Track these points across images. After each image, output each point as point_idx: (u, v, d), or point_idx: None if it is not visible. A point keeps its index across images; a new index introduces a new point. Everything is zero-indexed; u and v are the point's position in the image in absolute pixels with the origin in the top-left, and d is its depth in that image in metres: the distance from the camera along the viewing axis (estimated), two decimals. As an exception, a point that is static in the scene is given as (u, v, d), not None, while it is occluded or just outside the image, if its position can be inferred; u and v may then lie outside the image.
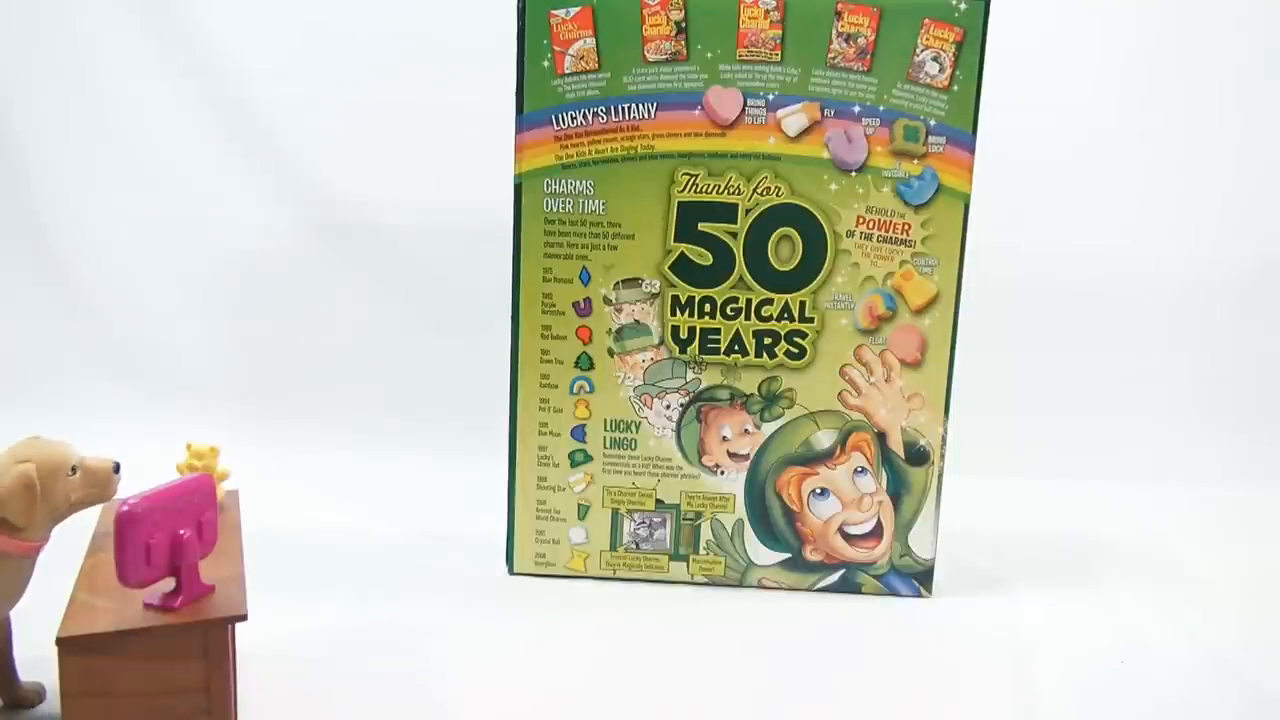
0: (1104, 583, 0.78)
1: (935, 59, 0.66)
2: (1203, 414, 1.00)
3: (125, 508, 0.48)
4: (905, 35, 0.66)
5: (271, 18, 1.06)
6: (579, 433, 0.72)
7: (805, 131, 0.67)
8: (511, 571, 0.74)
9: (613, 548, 0.73)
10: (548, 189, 0.68)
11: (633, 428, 0.71)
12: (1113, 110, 0.99)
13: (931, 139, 0.67)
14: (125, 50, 1.05)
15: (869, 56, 0.66)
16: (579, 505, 0.73)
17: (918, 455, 0.71)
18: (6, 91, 1.05)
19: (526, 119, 0.68)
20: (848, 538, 0.72)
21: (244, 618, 0.50)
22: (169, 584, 0.51)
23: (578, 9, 0.66)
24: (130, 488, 0.51)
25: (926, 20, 0.66)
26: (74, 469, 0.52)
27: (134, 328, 1.08)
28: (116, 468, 0.53)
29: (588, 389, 0.71)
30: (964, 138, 0.67)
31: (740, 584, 0.73)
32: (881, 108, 0.67)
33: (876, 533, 0.72)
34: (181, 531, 0.50)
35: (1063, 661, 0.66)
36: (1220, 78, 0.99)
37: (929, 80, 0.66)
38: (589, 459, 0.72)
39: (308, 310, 1.09)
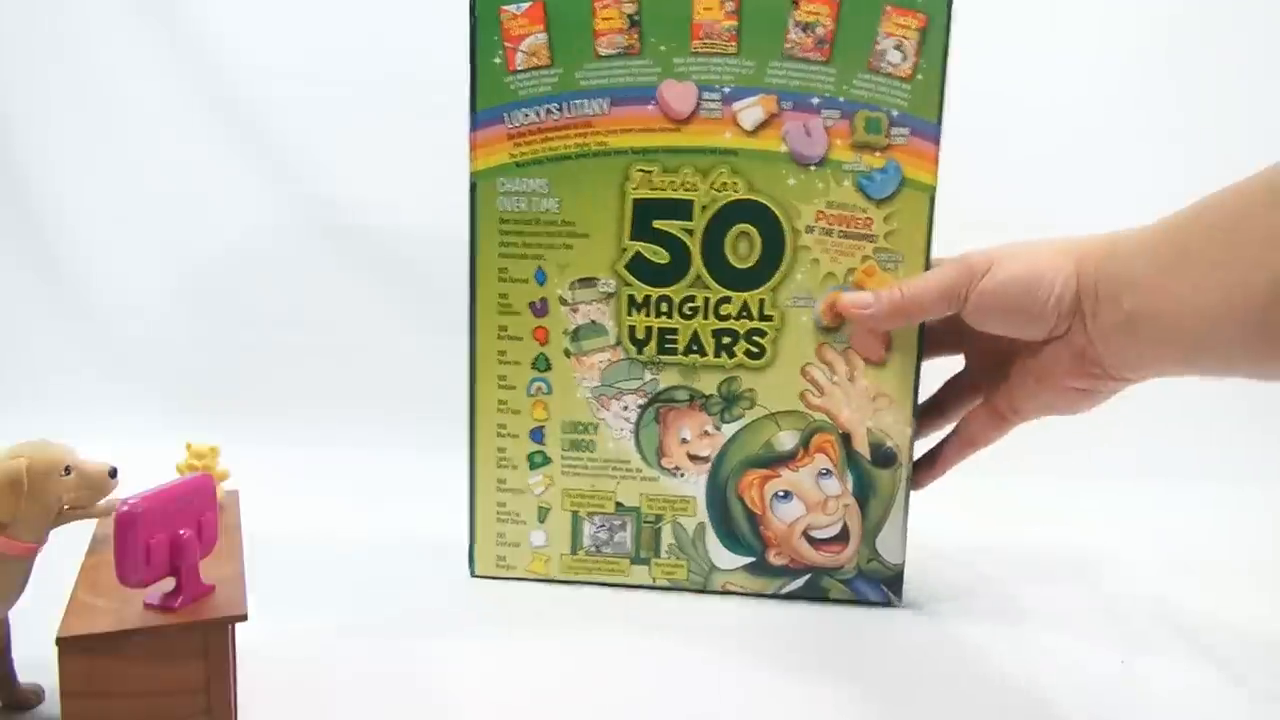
0: (1104, 583, 0.76)
1: (897, 47, 0.64)
2: (1202, 414, 0.97)
3: (125, 508, 0.48)
4: (866, 23, 0.63)
5: (270, 17, 1.06)
6: (537, 434, 0.70)
7: (762, 125, 0.65)
8: (473, 574, 0.73)
9: (573, 551, 0.72)
10: (502, 188, 0.67)
11: (591, 429, 0.70)
12: (1090, 97, 0.96)
13: (894, 130, 0.64)
14: (122, 50, 1.07)
15: (828, 46, 0.64)
16: (539, 508, 0.71)
17: (884, 457, 0.69)
18: (4, 91, 1.07)
19: (480, 117, 0.67)
20: (813, 542, 0.70)
21: (244, 618, 0.50)
22: (169, 584, 0.50)
23: (529, 4, 0.65)
24: (130, 488, 0.51)
25: (888, 7, 0.63)
26: (68, 469, 0.51)
27: (133, 328, 1.10)
28: (113, 472, 0.53)
29: (545, 390, 0.70)
30: (928, 128, 0.64)
31: (704, 588, 0.72)
32: (842, 99, 0.64)
33: (842, 537, 0.70)
34: (181, 531, 0.50)
35: (1062, 661, 0.64)
36: (1198, 64, 0.96)
37: (891, 69, 0.64)
38: (548, 461, 0.71)
39: (308, 310, 1.10)
